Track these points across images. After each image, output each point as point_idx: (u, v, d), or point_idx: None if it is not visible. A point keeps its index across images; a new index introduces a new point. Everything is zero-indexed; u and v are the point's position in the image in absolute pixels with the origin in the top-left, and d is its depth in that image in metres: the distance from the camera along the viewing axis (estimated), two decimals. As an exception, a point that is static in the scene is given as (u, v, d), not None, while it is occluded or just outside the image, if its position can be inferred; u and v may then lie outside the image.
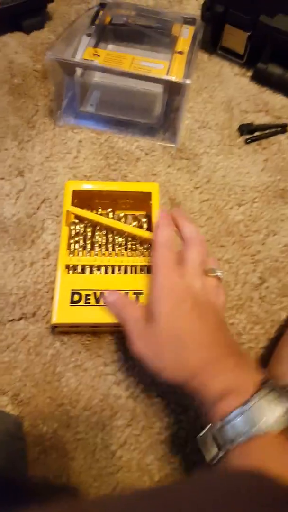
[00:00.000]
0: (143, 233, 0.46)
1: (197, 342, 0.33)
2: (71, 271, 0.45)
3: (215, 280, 0.38)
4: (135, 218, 0.50)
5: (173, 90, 0.54)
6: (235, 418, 0.29)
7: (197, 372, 0.33)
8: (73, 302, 0.42)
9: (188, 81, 0.51)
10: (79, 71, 0.57)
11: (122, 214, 0.50)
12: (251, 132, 0.54)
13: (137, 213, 0.51)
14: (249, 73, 0.60)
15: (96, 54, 0.55)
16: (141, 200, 0.49)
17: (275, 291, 0.46)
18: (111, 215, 0.49)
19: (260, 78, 0.59)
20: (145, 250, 0.46)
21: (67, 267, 0.45)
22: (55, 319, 0.42)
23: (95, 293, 0.43)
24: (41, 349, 0.44)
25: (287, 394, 0.30)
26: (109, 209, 0.49)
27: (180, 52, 0.56)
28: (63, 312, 0.42)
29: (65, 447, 0.39)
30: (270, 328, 0.44)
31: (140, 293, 0.43)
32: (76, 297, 0.43)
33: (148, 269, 0.44)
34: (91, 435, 0.40)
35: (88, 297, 0.43)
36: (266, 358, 0.43)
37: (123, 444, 0.39)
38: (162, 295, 0.35)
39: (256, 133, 0.54)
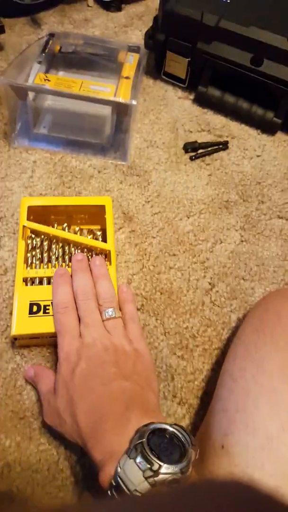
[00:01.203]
0: (98, 244, 0.47)
1: (84, 410, 0.33)
2: (29, 284, 0.44)
3: (114, 321, 0.39)
4: (90, 232, 0.50)
5: (121, 111, 0.55)
6: (113, 486, 0.29)
7: (86, 439, 0.33)
8: (32, 313, 0.42)
9: (134, 102, 0.53)
10: (31, 95, 0.57)
11: (77, 229, 0.50)
12: (195, 150, 0.57)
13: (92, 227, 0.51)
14: (192, 96, 0.63)
15: (47, 79, 0.56)
16: (96, 215, 0.50)
17: (224, 295, 0.47)
18: (66, 230, 0.49)
19: (201, 101, 0.61)
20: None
21: (25, 280, 0.44)
22: (14, 331, 0.41)
23: (53, 304, 0.42)
24: (1, 364, 0.42)
25: (144, 452, 0.28)
26: (65, 224, 0.49)
27: (127, 77, 0.58)
28: (22, 323, 0.41)
29: (28, 460, 0.38)
30: (221, 329, 0.45)
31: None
32: (34, 308, 0.42)
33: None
34: (54, 445, 0.39)
35: (47, 307, 0.42)
36: (220, 359, 0.44)
37: (86, 453, 0.39)
38: (60, 363, 0.37)
39: (200, 151, 0.57)
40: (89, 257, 0.46)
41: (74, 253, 0.46)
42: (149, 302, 0.46)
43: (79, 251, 0.47)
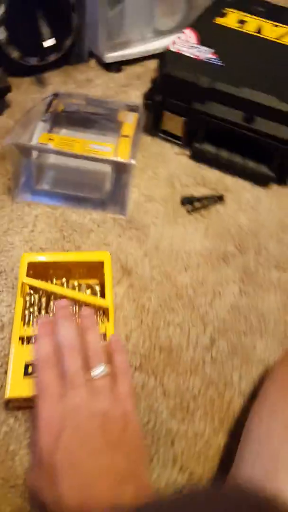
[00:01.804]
0: (96, 300, 0.45)
1: (71, 489, 0.29)
2: (25, 343, 0.42)
3: (104, 381, 0.34)
4: (89, 287, 0.49)
5: (120, 169, 0.56)
6: None
7: None
8: (26, 374, 0.40)
9: (133, 161, 0.54)
10: (35, 153, 0.58)
11: (76, 283, 0.49)
12: (192, 203, 0.57)
13: (91, 281, 0.50)
14: (188, 152, 0.64)
15: (51, 139, 0.57)
16: (94, 268, 0.49)
17: (225, 352, 0.45)
18: (65, 284, 0.48)
19: (197, 156, 0.62)
20: (99, 317, 0.45)
21: (21, 338, 0.43)
22: (8, 393, 0.39)
23: (49, 364, 0.40)
24: (-6, 427, 0.40)
25: None
26: (64, 279, 0.48)
27: (126, 136, 0.59)
28: (16, 385, 0.39)
29: (18, 536, 0.35)
30: (223, 389, 0.43)
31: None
32: (30, 369, 0.40)
33: (103, 337, 0.43)
34: (47, 520, 0.35)
35: (43, 369, 0.40)
36: (223, 420, 0.41)
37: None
38: (39, 432, 0.32)
39: (196, 204, 0.57)
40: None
41: (73, 311, 0.45)
42: (147, 361, 0.44)
43: (76, 307, 0.45)
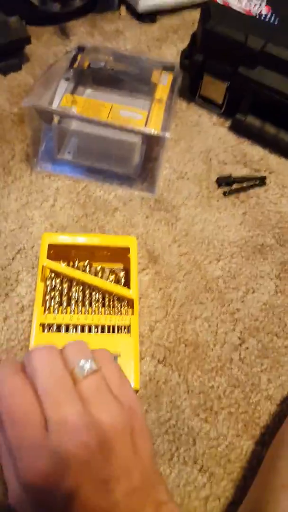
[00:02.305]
0: (120, 290, 0.47)
1: None
2: (46, 330, 0.45)
3: (93, 380, 0.28)
4: (113, 272, 0.50)
5: (152, 142, 0.55)
6: None
7: None
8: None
9: (167, 135, 0.53)
10: (56, 118, 0.58)
11: (99, 267, 0.50)
12: (229, 185, 0.56)
13: (115, 265, 0.51)
14: (228, 123, 0.62)
15: (75, 101, 0.56)
16: (119, 253, 0.50)
17: (255, 353, 0.47)
18: (88, 268, 0.50)
19: (239, 129, 0.61)
20: (123, 308, 0.46)
21: (42, 325, 0.45)
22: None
23: (71, 355, 0.43)
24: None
25: None
26: (86, 261, 0.50)
27: (159, 100, 0.58)
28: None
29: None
30: (250, 392, 0.45)
31: (118, 355, 0.43)
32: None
33: (127, 328, 0.45)
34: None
35: (64, 359, 0.42)
36: (248, 424, 0.43)
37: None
38: (30, 497, 0.26)
39: (235, 186, 0.56)
40: (111, 302, 0.47)
41: (96, 298, 0.47)
42: (172, 355, 0.46)
43: (100, 295, 0.47)
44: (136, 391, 0.43)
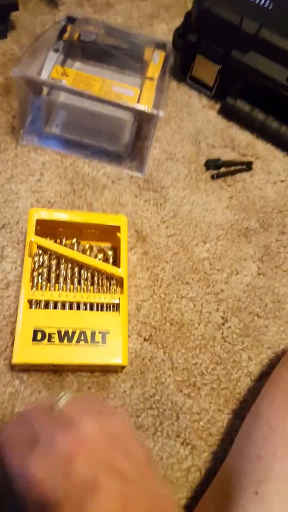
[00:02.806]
0: (109, 268, 0.47)
1: None
2: (33, 307, 0.44)
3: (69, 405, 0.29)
4: (101, 250, 0.50)
5: (144, 119, 0.55)
6: None
7: None
8: (35, 340, 0.42)
9: (161, 113, 0.52)
10: (45, 89, 0.56)
11: (87, 245, 0.50)
12: (217, 168, 0.57)
13: (103, 244, 0.51)
14: (217, 106, 0.62)
15: (65, 74, 0.54)
16: (108, 231, 0.50)
17: (236, 331, 0.48)
18: (76, 245, 0.49)
19: (228, 113, 0.61)
20: (112, 286, 0.46)
21: (29, 301, 0.44)
22: (16, 359, 0.41)
23: (59, 331, 0.43)
24: (-1, 388, 0.43)
25: None
26: (74, 239, 0.49)
27: (151, 79, 0.57)
28: (24, 351, 0.42)
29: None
30: (231, 368, 0.46)
31: (107, 333, 0.43)
32: (39, 336, 0.42)
33: (116, 307, 0.45)
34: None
35: (52, 335, 0.42)
36: (228, 400, 0.45)
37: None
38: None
39: (222, 169, 0.57)
40: (100, 280, 0.46)
41: (85, 277, 0.46)
42: (157, 333, 0.47)
43: (89, 273, 0.47)
44: (123, 367, 0.44)
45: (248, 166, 0.57)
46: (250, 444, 0.38)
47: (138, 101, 0.54)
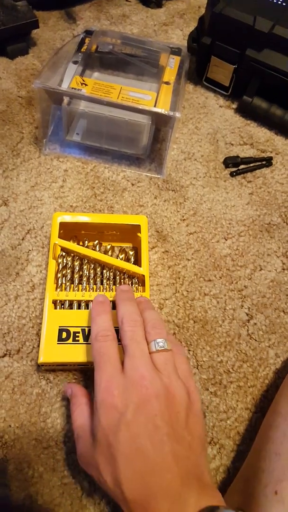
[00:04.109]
0: (132, 268, 0.46)
1: (130, 478, 0.30)
2: (58, 307, 0.44)
3: (166, 355, 0.34)
4: (122, 251, 0.49)
5: (161, 122, 0.54)
6: None
7: (132, 508, 0.29)
8: (60, 339, 0.42)
9: (178, 114, 0.51)
10: (66, 99, 0.56)
11: (109, 246, 0.49)
12: (237, 165, 0.55)
13: (124, 244, 0.50)
14: (234, 105, 0.61)
15: (84, 83, 0.55)
16: (128, 232, 0.49)
17: (262, 328, 0.46)
18: (97, 247, 0.49)
19: (245, 111, 0.60)
20: (133, 285, 0.46)
21: (54, 302, 0.44)
22: (42, 359, 0.41)
23: (83, 330, 0.42)
24: (26, 388, 0.42)
25: None
26: (96, 241, 0.49)
27: (167, 83, 0.57)
28: (50, 351, 0.41)
29: (51, 493, 0.38)
30: (258, 366, 0.44)
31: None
32: (64, 335, 0.42)
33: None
34: (78, 479, 0.39)
35: (77, 334, 0.42)
36: (255, 398, 0.43)
37: None
38: (99, 405, 0.32)
39: (242, 166, 0.55)
40: (122, 279, 0.46)
41: (107, 276, 0.46)
42: (181, 331, 0.46)
43: (111, 273, 0.46)
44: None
45: (268, 161, 0.56)
46: (269, 442, 0.35)
47: (155, 105, 0.53)
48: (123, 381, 0.33)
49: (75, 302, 0.44)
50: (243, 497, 0.34)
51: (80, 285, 0.45)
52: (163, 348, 0.34)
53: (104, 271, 0.46)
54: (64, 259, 0.47)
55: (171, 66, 0.60)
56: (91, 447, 0.33)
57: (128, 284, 0.46)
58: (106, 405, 0.32)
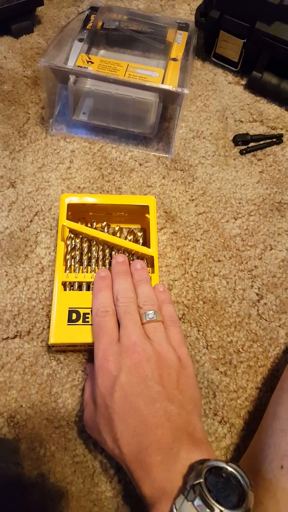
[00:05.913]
0: (141, 249, 0.44)
1: (126, 435, 0.31)
2: (67, 288, 0.43)
3: (155, 324, 0.37)
4: (131, 232, 0.47)
5: (169, 99, 0.52)
6: None
7: (131, 468, 0.31)
8: (70, 321, 0.40)
9: (186, 91, 0.49)
10: (72, 78, 0.54)
11: (117, 228, 0.47)
12: (246, 143, 0.52)
13: (132, 226, 0.49)
14: (243, 81, 0.58)
15: (90, 61, 0.52)
16: (136, 213, 0.47)
17: (273, 308, 0.44)
18: (106, 228, 0.47)
19: (255, 87, 0.56)
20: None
21: (63, 284, 0.43)
22: (52, 339, 0.40)
23: (93, 311, 0.41)
24: (37, 369, 0.41)
25: (203, 494, 0.26)
26: (104, 223, 0.47)
27: (175, 59, 0.54)
28: (60, 332, 0.40)
29: (63, 471, 0.38)
30: (268, 346, 0.43)
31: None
32: (74, 316, 0.41)
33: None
34: (90, 458, 0.38)
35: (87, 315, 0.41)
36: (266, 377, 0.41)
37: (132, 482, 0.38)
38: (97, 371, 0.35)
39: (252, 144, 0.53)
40: (131, 261, 0.44)
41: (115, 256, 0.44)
42: (191, 312, 0.44)
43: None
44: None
45: (278, 139, 0.53)
46: (275, 418, 0.35)
47: (162, 82, 0.51)
48: (118, 349, 0.35)
49: (84, 283, 0.43)
50: (250, 473, 0.33)
51: (89, 267, 0.44)
52: (153, 319, 0.37)
53: (113, 252, 0.45)
54: (73, 241, 0.45)
55: (179, 42, 0.57)
56: (94, 412, 0.35)
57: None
58: (103, 370, 0.34)
